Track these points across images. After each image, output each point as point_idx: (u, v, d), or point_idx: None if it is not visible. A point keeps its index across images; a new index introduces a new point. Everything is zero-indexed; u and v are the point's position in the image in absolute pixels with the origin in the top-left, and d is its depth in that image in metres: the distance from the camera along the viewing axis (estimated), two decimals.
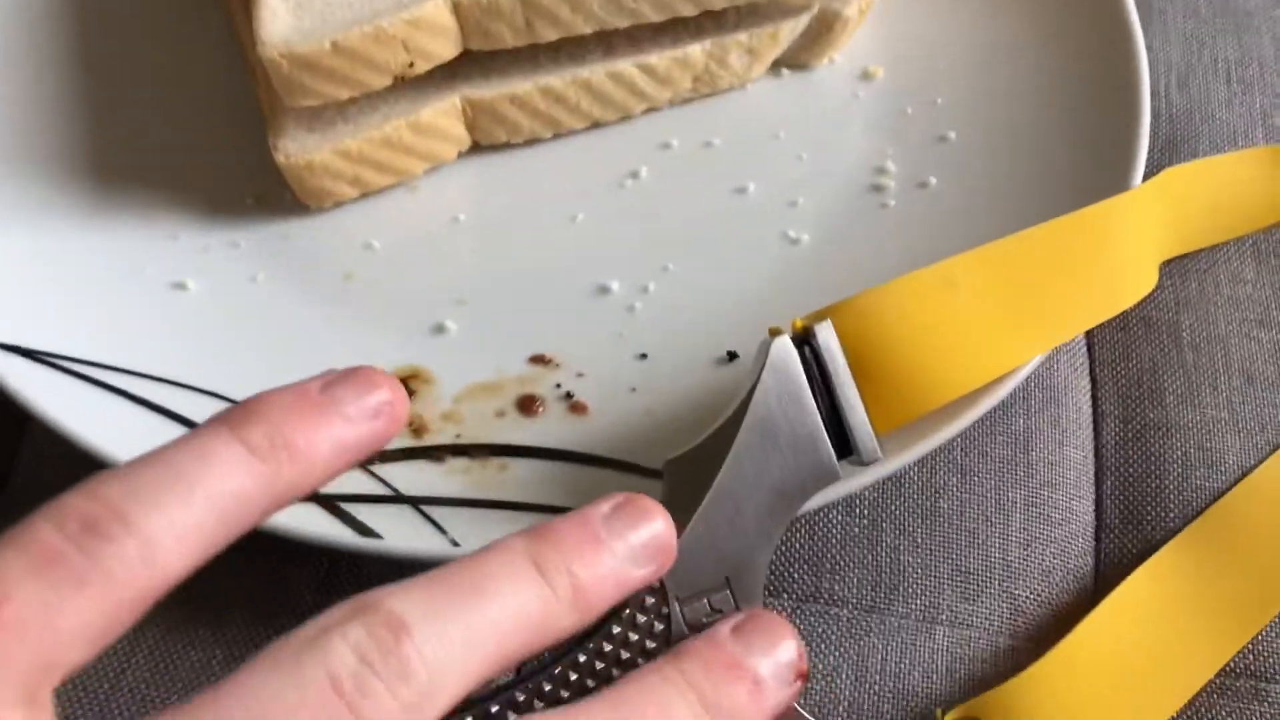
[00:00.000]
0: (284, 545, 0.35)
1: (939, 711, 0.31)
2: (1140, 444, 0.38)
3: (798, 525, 0.36)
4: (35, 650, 0.20)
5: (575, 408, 0.36)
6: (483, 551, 0.24)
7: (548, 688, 0.28)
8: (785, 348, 0.30)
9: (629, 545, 0.26)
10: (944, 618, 0.35)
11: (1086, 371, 0.39)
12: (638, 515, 0.26)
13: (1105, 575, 0.36)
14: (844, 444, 0.31)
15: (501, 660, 0.23)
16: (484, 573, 0.24)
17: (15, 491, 0.38)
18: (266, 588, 0.35)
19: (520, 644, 0.24)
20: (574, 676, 0.28)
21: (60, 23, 0.44)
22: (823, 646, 0.34)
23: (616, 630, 0.29)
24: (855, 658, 0.34)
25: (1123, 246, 0.35)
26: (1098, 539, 0.37)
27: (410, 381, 0.36)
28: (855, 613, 0.35)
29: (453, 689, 0.22)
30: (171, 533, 0.22)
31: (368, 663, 0.21)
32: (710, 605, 0.29)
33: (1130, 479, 0.37)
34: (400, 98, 0.40)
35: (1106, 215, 0.35)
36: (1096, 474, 0.38)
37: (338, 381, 0.25)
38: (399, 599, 0.22)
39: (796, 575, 0.35)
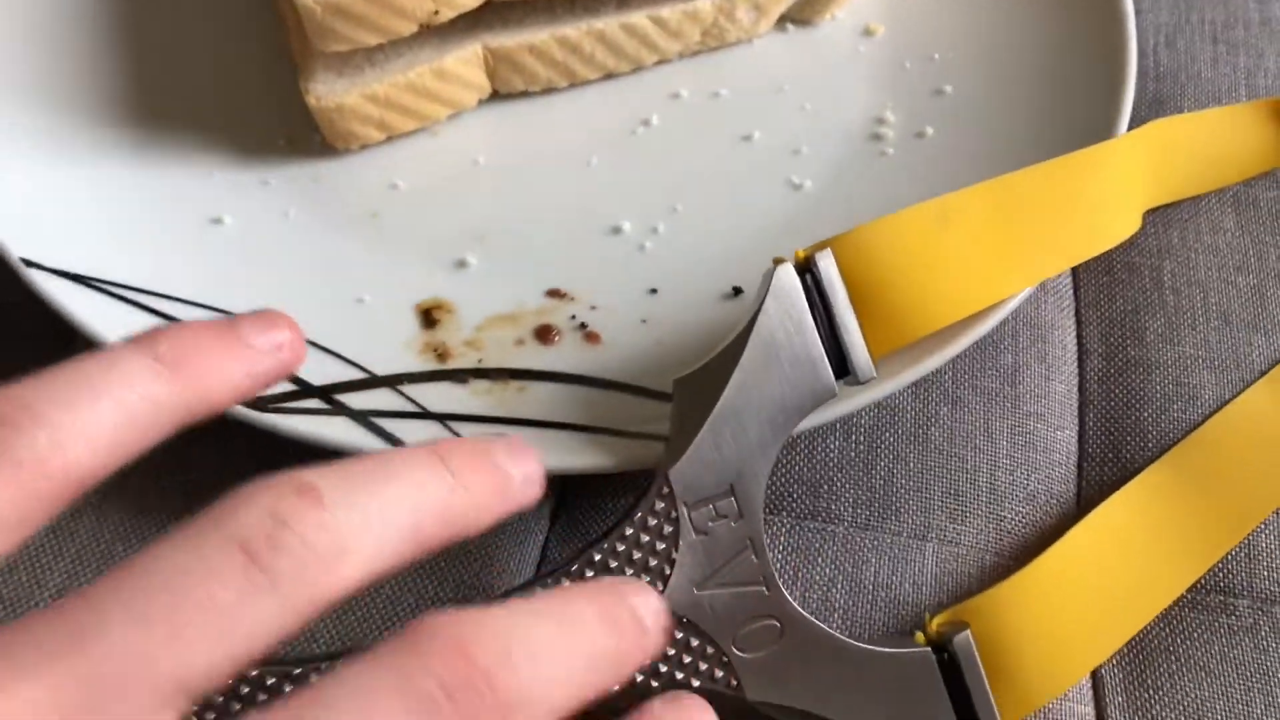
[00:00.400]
0: (316, 461, 0.37)
1: (927, 615, 0.33)
2: (1122, 379, 0.40)
3: (798, 448, 0.38)
4: None
5: (589, 337, 0.38)
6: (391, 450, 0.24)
7: (564, 583, 0.31)
8: (788, 274, 0.32)
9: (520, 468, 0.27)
10: (934, 535, 0.37)
11: (1072, 311, 0.42)
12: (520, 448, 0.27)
13: (1086, 500, 0.38)
14: (842, 365, 0.33)
15: (416, 541, 0.23)
16: (393, 459, 0.24)
17: None
18: None
19: (433, 529, 0.23)
20: (589, 574, 0.31)
21: None
22: (820, 560, 0.36)
23: (629, 532, 0.31)
24: (850, 570, 0.36)
25: (1107, 190, 0.37)
26: (1080, 467, 0.39)
27: (434, 312, 0.38)
28: (850, 530, 0.37)
29: (368, 556, 0.22)
30: (80, 428, 0.22)
31: (280, 521, 0.21)
32: (715, 510, 0.31)
33: (1112, 412, 0.40)
34: (425, 45, 0.42)
35: (1092, 160, 0.37)
36: (1080, 407, 0.40)
37: (243, 319, 0.26)
38: (309, 472, 0.22)
39: (796, 495, 0.37)
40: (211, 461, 0.38)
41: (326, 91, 0.41)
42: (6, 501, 0.21)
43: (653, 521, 0.31)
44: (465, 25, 0.42)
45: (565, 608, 0.24)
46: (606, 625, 0.24)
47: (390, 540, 0.22)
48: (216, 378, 0.25)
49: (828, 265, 0.33)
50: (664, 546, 0.31)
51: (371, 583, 0.22)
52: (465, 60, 0.42)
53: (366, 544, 0.22)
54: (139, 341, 0.24)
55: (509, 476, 0.26)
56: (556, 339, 0.38)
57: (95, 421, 0.22)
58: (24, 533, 0.22)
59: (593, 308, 0.39)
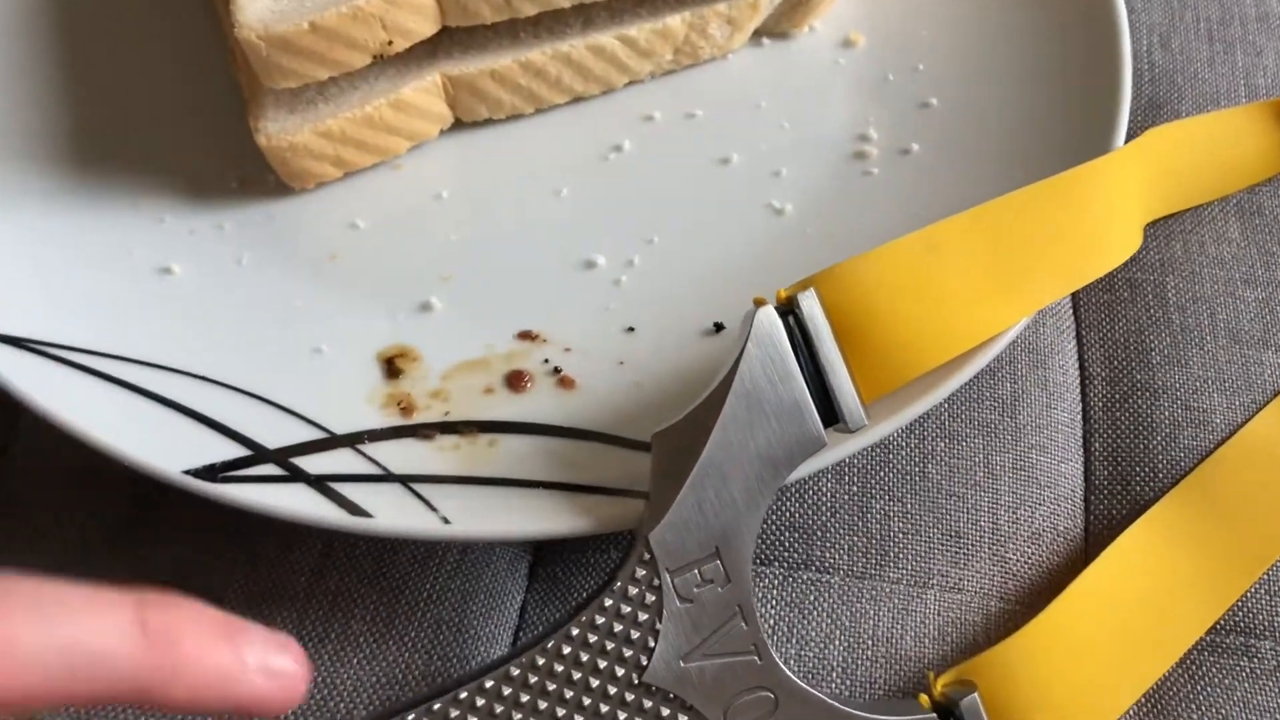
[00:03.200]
0: (278, 529, 0.35)
1: (931, 675, 0.31)
2: (1127, 405, 0.38)
3: (788, 493, 0.36)
4: None
5: (563, 382, 0.36)
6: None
7: (540, 661, 0.29)
8: (770, 318, 0.30)
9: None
10: (935, 582, 0.35)
11: (1073, 334, 0.40)
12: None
13: (1095, 537, 0.36)
14: (830, 412, 0.31)
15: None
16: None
17: (16, 459, 0.38)
18: (262, 572, 0.35)
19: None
20: (567, 650, 0.29)
21: (42, 9, 0.43)
22: (815, 613, 0.34)
23: (609, 603, 0.29)
24: (848, 624, 0.34)
25: (1106, 208, 0.35)
26: (1087, 501, 0.37)
27: (398, 360, 0.36)
28: (847, 579, 0.35)
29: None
30: (25, 649, 0.21)
31: None
32: (701, 576, 0.29)
33: (1118, 440, 0.38)
34: (380, 76, 0.39)
35: (1089, 177, 0.35)
36: (1084, 436, 0.38)
37: (252, 631, 0.24)
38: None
39: (788, 543, 0.35)
40: (166, 523, 0.36)
41: (278, 129, 0.38)
42: None
43: (633, 590, 0.29)
44: (422, 53, 0.40)
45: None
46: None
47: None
48: (189, 676, 0.23)
49: (811, 305, 0.31)
50: (646, 617, 0.29)
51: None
52: (424, 90, 0.40)
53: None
54: (136, 599, 0.23)
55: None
56: (529, 385, 0.36)
57: (43, 651, 0.21)
58: None
59: (566, 350, 0.37)
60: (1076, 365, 0.39)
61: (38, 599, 0.22)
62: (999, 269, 0.33)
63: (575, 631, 0.29)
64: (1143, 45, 0.45)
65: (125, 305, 0.37)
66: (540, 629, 0.33)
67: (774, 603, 0.34)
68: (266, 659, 0.24)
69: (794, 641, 0.34)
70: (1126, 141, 0.38)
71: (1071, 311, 0.40)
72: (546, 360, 0.36)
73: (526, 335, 0.37)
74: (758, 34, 0.43)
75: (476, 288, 0.38)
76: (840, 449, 0.32)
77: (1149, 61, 0.45)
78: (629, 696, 0.29)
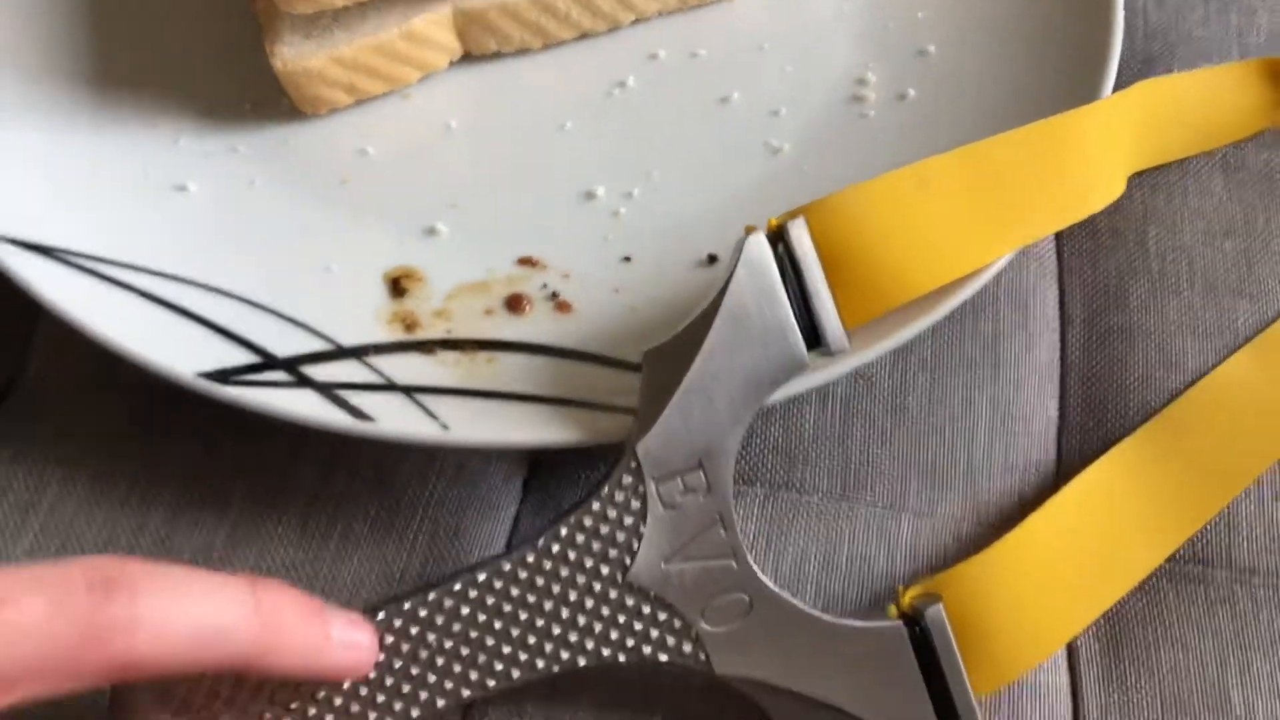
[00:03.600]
0: (286, 435, 0.37)
1: (900, 588, 0.33)
2: (1104, 347, 0.40)
3: (773, 418, 0.38)
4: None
5: (561, 306, 0.37)
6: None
7: (531, 558, 0.30)
8: (759, 244, 0.32)
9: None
10: (910, 506, 0.36)
11: (1055, 278, 0.41)
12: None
13: (1067, 470, 0.37)
14: (814, 336, 0.32)
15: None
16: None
17: (27, 386, 0.39)
18: (269, 473, 0.36)
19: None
20: (556, 548, 0.30)
21: None
22: (793, 531, 0.36)
23: (596, 507, 0.31)
24: (824, 542, 0.36)
25: (1091, 153, 0.36)
26: (1060, 436, 0.38)
27: (403, 280, 0.38)
28: (825, 500, 0.36)
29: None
30: (159, 624, 0.24)
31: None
32: (684, 485, 0.31)
33: (1093, 379, 0.39)
34: (394, 6, 0.41)
35: (1076, 122, 0.36)
36: (1061, 375, 0.39)
37: (333, 611, 0.28)
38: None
39: (771, 465, 0.37)
40: (178, 429, 0.37)
41: (293, 55, 0.40)
42: (68, 650, 0.23)
43: (620, 496, 0.31)
44: None
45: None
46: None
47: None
48: (287, 649, 0.27)
49: (800, 233, 0.32)
50: (631, 521, 0.31)
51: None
52: (435, 21, 0.41)
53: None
54: (249, 581, 0.26)
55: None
56: (527, 308, 0.37)
57: (177, 625, 0.25)
58: (61, 686, 0.24)
59: (565, 276, 0.38)
60: (1057, 307, 0.40)
61: (177, 581, 0.25)
62: (984, 206, 0.34)
63: (564, 532, 0.31)
64: (1138, 1, 0.46)
65: (142, 219, 0.39)
66: (534, 528, 0.35)
67: (756, 520, 0.36)
68: (346, 634, 0.28)
69: (772, 556, 0.35)
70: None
71: (1055, 256, 0.41)
72: (545, 285, 0.38)
73: (527, 261, 0.39)
74: None
75: (480, 214, 0.40)
76: (823, 373, 0.34)
77: (1144, 18, 0.46)
78: (613, 594, 0.30)
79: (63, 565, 0.24)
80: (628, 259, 0.39)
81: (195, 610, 0.25)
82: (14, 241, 0.36)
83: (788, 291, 0.32)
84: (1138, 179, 0.42)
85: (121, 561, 0.25)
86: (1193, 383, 0.38)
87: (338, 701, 0.29)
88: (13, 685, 0.23)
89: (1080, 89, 0.39)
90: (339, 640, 0.28)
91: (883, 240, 0.33)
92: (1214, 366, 0.39)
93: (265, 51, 0.40)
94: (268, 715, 0.29)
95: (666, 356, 0.32)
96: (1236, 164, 0.43)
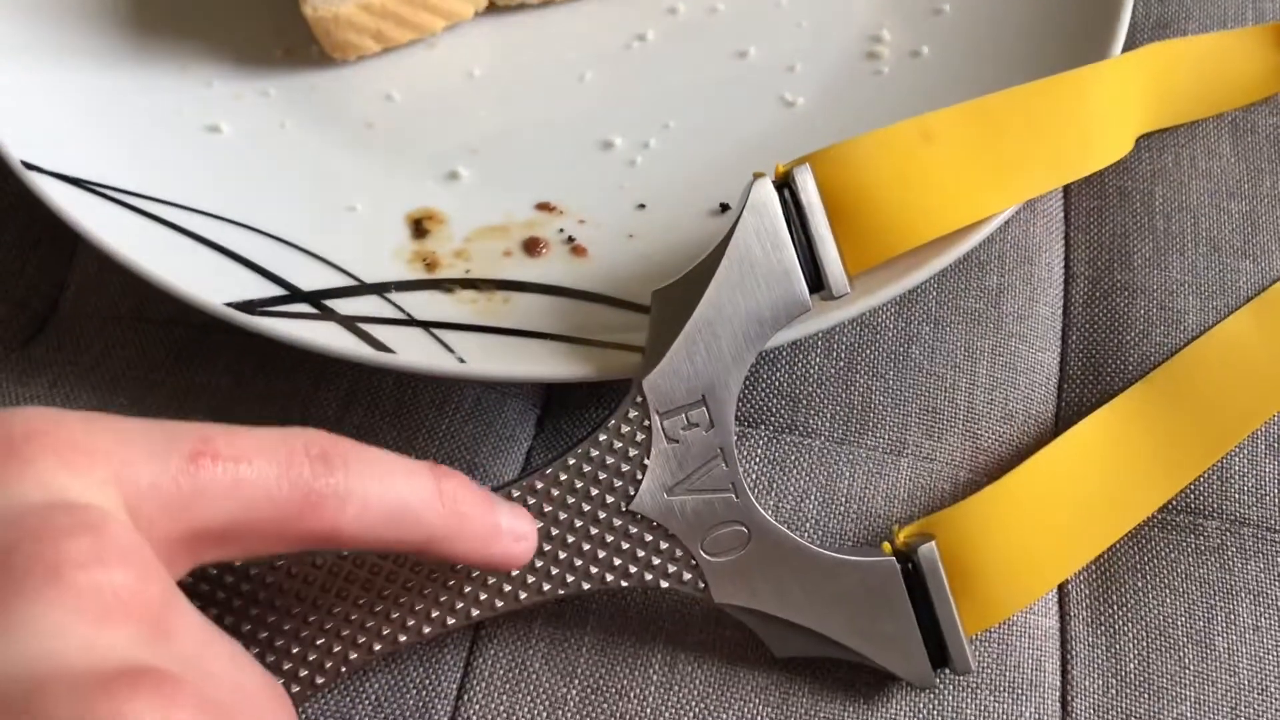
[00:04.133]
0: (309, 367, 0.38)
1: (895, 527, 0.34)
2: (1107, 303, 0.40)
3: (779, 363, 0.39)
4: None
5: (576, 250, 0.39)
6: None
7: (540, 485, 0.32)
8: (766, 189, 0.33)
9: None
10: (909, 451, 0.38)
11: (1061, 234, 0.42)
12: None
13: (1065, 421, 0.38)
14: (818, 280, 0.33)
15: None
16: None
17: (63, 318, 0.41)
18: (293, 404, 0.38)
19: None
20: (564, 477, 0.32)
21: None
22: (795, 472, 0.37)
23: (604, 438, 0.32)
24: (824, 483, 0.37)
25: (1098, 110, 0.37)
26: (1060, 388, 0.39)
27: (425, 222, 0.39)
28: (827, 443, 0.38)
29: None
30: (366, 500, 0.26)
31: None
32: (687, 420, 0.32)
33: (1095, 334, 0.40)
34: None
35: (1083, 80, 0.37)
36: (1063, 329, 0.40)
37: (502, 505, 0.29)
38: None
39: (775, 408, 0.38)
40: (207, 361, 0.39)
41: (323, 2, 0.41)
42: (290, 512, 0.25)
43: (626, 429, 0.32)
44: None
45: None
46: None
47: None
48: (466, 534, 0.28)
49: (805, 180, 0.33)
50: (636, 453, 0.32)
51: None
52: None
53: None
54: (431, 467, 0.28)
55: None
56: (544, 251, 0.39)
57: (378, 502, 0.26)
58: (273, 546, 0.26)
59: (581, 221, 0.39)
60: (1062, 263, 0.41)
61: (380, 461, 0.27)
62: (989, 159, 0.35)
63: (572, 461, 0.32)
64: None
65: (177, 157, 0.40)
66: (544, 458, 0.36)
67: (758, 461, 0.37)
68: (515, 523, 0.29)
69: (773, 496, 0.37)
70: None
71: (1062, 213, 0.42)
72: (562, 230, 0.39)
73: (545, 206, 0.40)
74: None
75: (501, 160, 0.41)
76: (827, 317, 0.35)
77: None
78: (616, 522, 0.32)
79: (286, 433, 0.26)
80: (642, 206, 0.40)
81: (395, 490, 0.26)
82: (55, 174, 0.38)
83: (793, 236, 0.33)
84: (1146, 140, 0.43)
85: (334, 438, 0.26)
86: (1192, 340, 0.39)
87: (344, 620, 0.31)
88: (237, 539, 0.25)
89: (1092, 49, 0.40)
90: (509, 530, 0.29)
91: (886, 189, 0.34)
92: (1214, 325, 0.39)
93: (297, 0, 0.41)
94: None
95: (674, 296, 0.33)
96: (1246, 127, 0.43)
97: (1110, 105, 0.38)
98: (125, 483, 0.23)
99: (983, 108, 0.35)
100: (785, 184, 0.33)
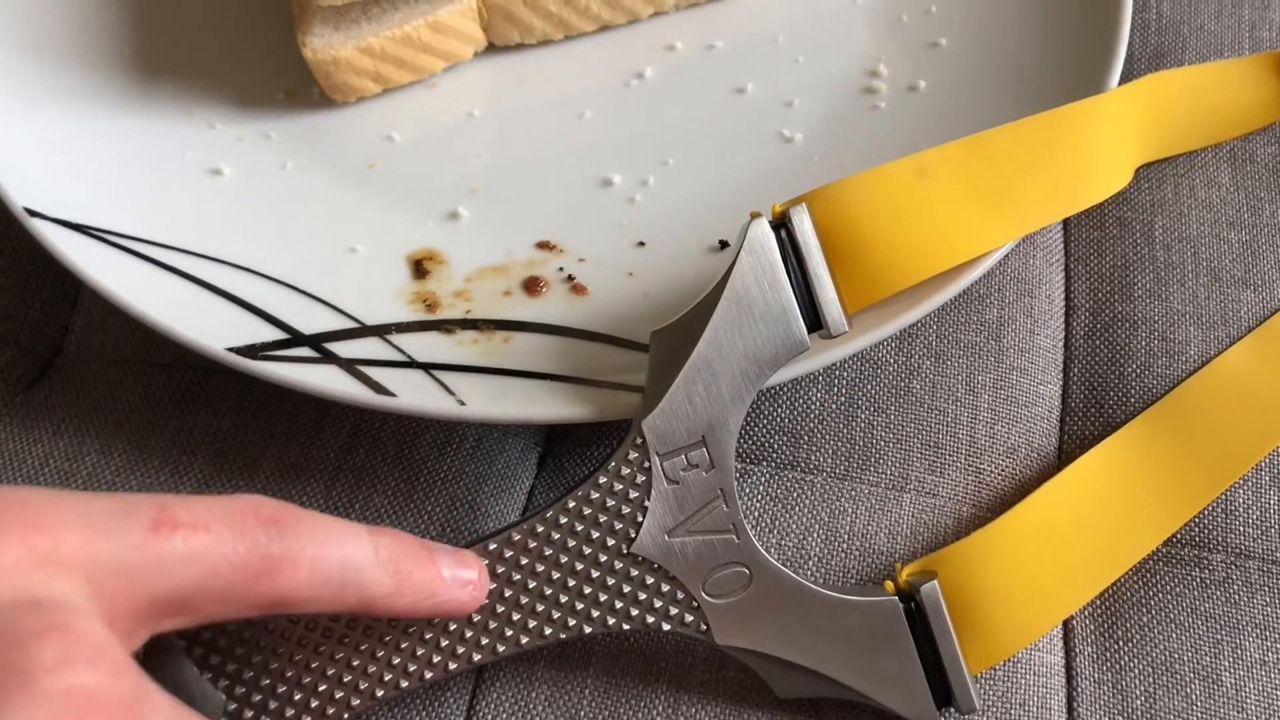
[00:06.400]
0: (311, 409, 0.38)
1: (898, 565, 0.34)
2: (1108, 335, 0.40)
3: (780, 400, 0.39)
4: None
5: (576, 289, 0.39)
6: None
7: (540, 528, 0.32)
8: (763, 229, 0.33)
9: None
10: (912, 487, 0.37)
11: (1061, 267, 0.42)
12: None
13: (1068, 455, 0.38)
14: (815, 319, 0.33)
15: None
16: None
17: (67, 362, 0.41)
18: (295, 445, 0.38)
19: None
20: (564, 520, 0.32)
21: None
22: (797, 509, 0.37)
23: (603, 480, 0.32)
24: (827, 519, 0.37)
25: (1095, 143, 0.37)
26: (1062, 421, 0.39)
27: (425, 262, 0.39)
28: (829, 480, 0.38)
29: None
30: (312, 563, 0.26)
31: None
32: (687, 460, 0.32)
33: (1096, 366, 0.40)
34: None
35: (1081, 112, 0.37)
36: (1064, 361, 0.40)
37: (440, 551, 0.30)
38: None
39: (776, 445, 0.38)
40: (209, 403, 0.39)
41: (323, 44, 0.41)
42: (246, 577, 0.26)
43: (626, 470, 0.32)
44: None
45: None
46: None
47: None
48: (408, 589, 0.28)
49: (801, 220, 0.33)
50: (636, 495, 0.32)
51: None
52: (460, 13, 0.42)
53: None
54: (367, 529, 0.28)
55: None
56: (544, 290, 0.39)
57: (326, 564, 0.27)
58: (228, 613, 0.26)
59: (580, 260, 0.39)
60: (1063, 295, 0.41)
61: (321, 526, 0.27)
62: (986, 194, 0.35)
63: (572, 504, 0.32)
64: None
65: (178, 201, 0.40)
66: (542, 501, 0.36)
67: (760, 498, 0.37)
68: (458, 571, 0.30)
69: (776, 533, 0.37)
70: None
71: (1062, 245, 0.42)
72: (561, 269, 0.39)
73: (545, 245, 0.40)
74: None
75: (501, 200, 0.41)
76: (827, 355, 0.35)
77: (1156, 12, 0.46)
78: (617, 564, 0.32)
79: (235, 500, 0.26)
80: (642, 244, 0.40)
81: (339, 551, 0.27)
82: (57, 220, 0.38)
83: (790, 275, 0.33)
84: (1145, 170, 0.43)
85: (279, 503, 0.27)
86: (1194, 371, 0.39)
87: (346, 666, 0.31)
88: (195, 606, 0.26)
89: (1089, 82, 0.40)
90: (451, 579, 0.30)
91: (883, 227, 0.34)
92: (1216, 356, 0.39)
93: (297, 42, 0.41)
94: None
95: (673, 337, 0.33)
96: (1245, 156, 0.43)
97: (1108, 137, 0.38)
98: (88, 560, 0.24)
99: (980, 143, 0.35)
100: (782, 223, 0.33)
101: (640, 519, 0.32)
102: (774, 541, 0.36)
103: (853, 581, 0.36)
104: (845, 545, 0.36)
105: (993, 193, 0.35)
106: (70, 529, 0.24)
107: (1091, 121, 0.37)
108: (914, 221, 0.34)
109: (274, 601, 0.26)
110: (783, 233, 0.33)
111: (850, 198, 0.34)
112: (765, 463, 0.38)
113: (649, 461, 0.32)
